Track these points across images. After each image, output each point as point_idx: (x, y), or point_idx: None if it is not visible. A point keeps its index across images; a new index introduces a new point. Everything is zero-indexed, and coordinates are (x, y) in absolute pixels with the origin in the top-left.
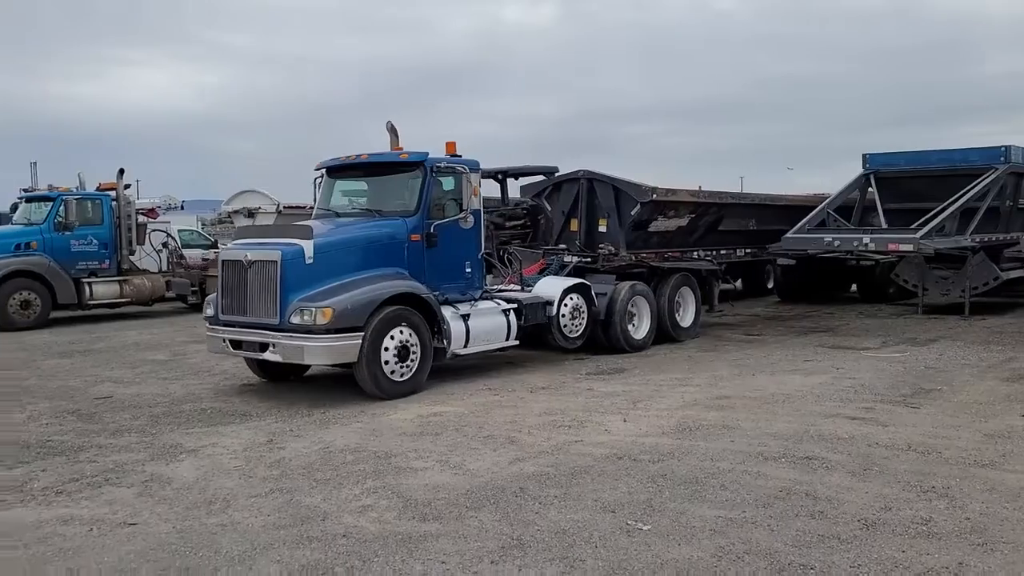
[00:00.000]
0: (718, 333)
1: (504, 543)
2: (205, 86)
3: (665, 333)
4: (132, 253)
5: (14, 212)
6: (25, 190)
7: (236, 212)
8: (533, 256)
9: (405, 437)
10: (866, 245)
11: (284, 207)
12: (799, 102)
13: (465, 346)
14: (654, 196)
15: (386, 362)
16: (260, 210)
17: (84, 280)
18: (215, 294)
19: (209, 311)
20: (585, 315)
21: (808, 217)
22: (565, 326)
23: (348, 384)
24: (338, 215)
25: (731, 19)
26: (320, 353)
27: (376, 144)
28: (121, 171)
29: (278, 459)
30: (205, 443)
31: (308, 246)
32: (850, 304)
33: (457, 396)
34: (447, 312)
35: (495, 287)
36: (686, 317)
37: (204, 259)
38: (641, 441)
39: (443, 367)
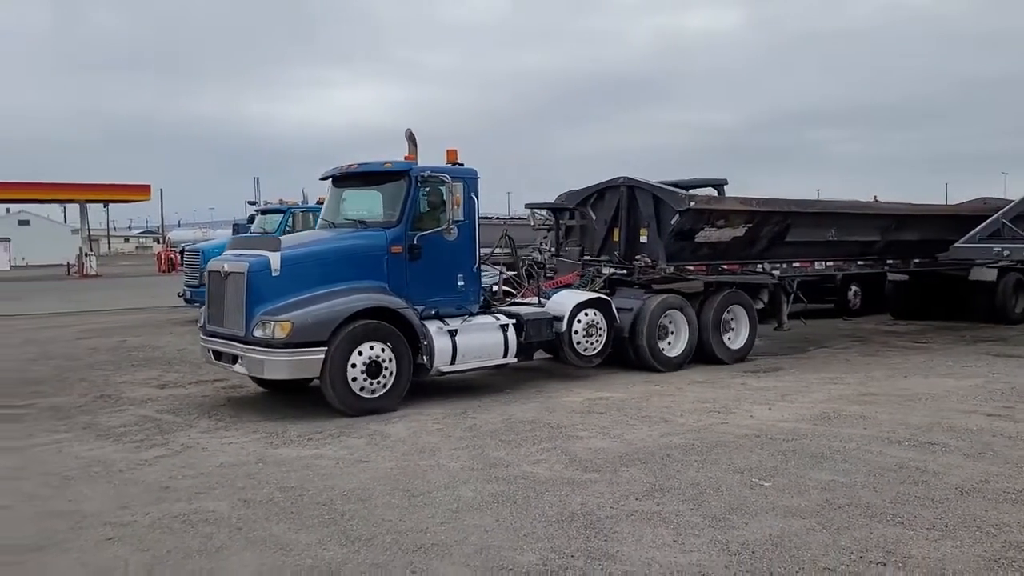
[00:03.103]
0: (884, 339)
1: (647, 488)
2: (403, 102)
3: (708, 353)
4: None
5: (251, 223)
6: (251, 202)
7: None
8: (572, 267)
9: (574, 414)
10: None
11: None
12: (1012, 103)
13: (452, 363)
14: (692, 204)
15: (353, 379)
16: None
17: None
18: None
19: (200, 320)
20: (604, 332)
21: (981, 227)
22: (579, 343)
23: (532, 371)
24: (334, 225)
25: (926, 16)
26: (280, 367)
27: (550, 156)
28: None
29: (470, 425)
30: (414, 411)
31: (275, 258)
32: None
33: (621, 385)
34: (432, 327)
35: (507, 300)
36: (737, 338)
37: None
38: (780, 425)
39: (610, 361)
